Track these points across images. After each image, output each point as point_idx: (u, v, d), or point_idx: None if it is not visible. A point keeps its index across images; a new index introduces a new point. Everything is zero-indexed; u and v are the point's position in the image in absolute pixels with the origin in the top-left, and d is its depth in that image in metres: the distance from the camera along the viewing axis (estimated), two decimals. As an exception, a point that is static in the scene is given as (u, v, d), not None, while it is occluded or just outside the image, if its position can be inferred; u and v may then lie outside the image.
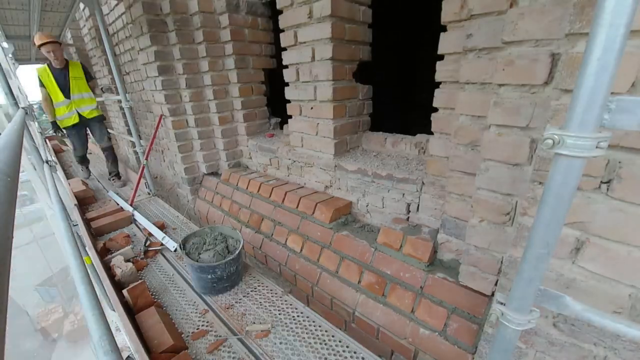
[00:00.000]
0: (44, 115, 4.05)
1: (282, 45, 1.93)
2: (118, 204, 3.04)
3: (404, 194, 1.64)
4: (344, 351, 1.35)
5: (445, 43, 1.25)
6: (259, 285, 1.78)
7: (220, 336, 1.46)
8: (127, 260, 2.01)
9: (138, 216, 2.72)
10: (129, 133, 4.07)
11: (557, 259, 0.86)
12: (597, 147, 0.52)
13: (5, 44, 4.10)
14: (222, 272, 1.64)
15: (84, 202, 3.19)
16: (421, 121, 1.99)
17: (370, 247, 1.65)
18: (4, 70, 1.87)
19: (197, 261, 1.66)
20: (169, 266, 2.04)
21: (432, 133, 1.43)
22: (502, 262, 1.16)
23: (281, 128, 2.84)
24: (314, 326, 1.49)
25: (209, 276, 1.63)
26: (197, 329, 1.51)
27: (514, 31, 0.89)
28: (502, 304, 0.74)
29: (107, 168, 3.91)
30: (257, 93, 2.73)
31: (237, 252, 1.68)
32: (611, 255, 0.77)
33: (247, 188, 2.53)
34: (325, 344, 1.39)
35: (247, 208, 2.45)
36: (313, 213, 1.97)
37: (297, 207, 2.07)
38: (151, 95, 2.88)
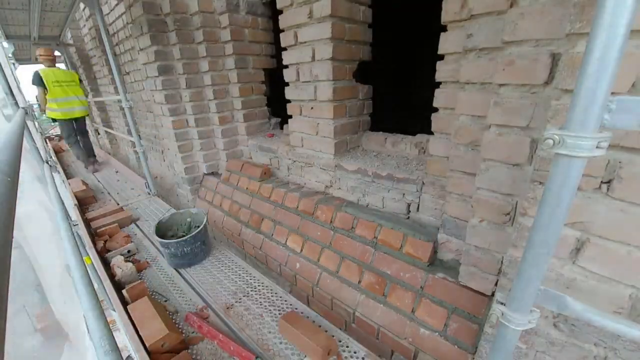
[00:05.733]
0: (44, 115, 4.10)
1: (282, 45, 1.93)
2: (118, 204, 3.04)
3: (404, 194, 1.64)
4: (343, 351, 1.35)
5: (446, 43, 1.25)
6: (258, 285, 1.78)
7: (220, 336, 1.46)
8: (127, 260, 2.01)
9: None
10: (129, 133, 4.07)
11: (557, 259, 0.86)
12: (597, 147, 0.52)
13: (5, 44, 4.10)
14: (176, 250, 1.98)
15: (84, 202, 3.19)
16: (421, 121, 1.99)
17: (371, 247, 1.65)
18: (4, 70, 1.87)
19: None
20: (169, 267, 2.05)
21: (432, 133, 1.43)
22: (502, 262, 1.16)
23: (281, 128, 2.84)
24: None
25: (167, 251, 2.01)
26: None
27: (514, 31, 0.89)
28: (502, 304, 0.74)
29: (86, 152, 4.46)
30: (257, 93, 2.73)
31: (188, 235, 1.99)
32: (611, 255, 0.77)
33: (247, 188, 2.53)
34: (325, 344, 1.39)
35: (247, 208, 2.46)
36: (313, 213, 1.97)
37: (297, 207, 2.07)
38: (151, 95, 2.88)
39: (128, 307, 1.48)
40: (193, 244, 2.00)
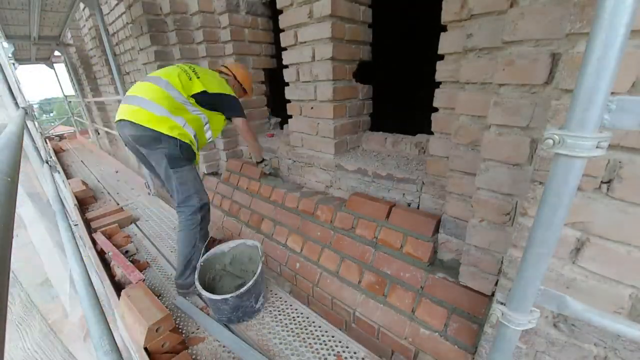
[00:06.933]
0: (44, 115, 4.02)
1: (282, 45, 1.93)
2: (118, 204, 3.04)
3: (404, 194, 1.64)
4: (344, 351, 1.35)
5: (446, 43, 1.25)
6: (259, 285, 1.78)
7: (220, 336, 1.46)
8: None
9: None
10: (129, 133, 4.07)
11: (557, 259, 0.86)
12: (597, 147, 0.51)
13: (5, 44, 4.10)
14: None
15: (84, 202, 3.19)
16: (421, 121, 1.98)
17: (371, 247, 1.65)
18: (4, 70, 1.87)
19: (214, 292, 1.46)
20: (169, 266, 2.05)
21: (432, 133, 1.43)
22: (502, 262, 1.15)
23: (281, 128, 2.84)
24: (314, 326, 1.49)
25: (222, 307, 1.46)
26: (198, 328, 1.51)
27: (514, 31, 0.89)
28: (502, 304, 0.74)
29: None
30: (257, 93, 2.73)
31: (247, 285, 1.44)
32: (611, 255, 0.77)
33: (247, 188, 2.53)
34: (325, 344, 1.39)
35: (247, 208, 2.45)
36: (314, 213, 1.97)
37: (297, 207, 2.07)
38: (151, 95, 2.88)
39: (122, 291, 1.49)
40: (247, 299, 1.48)
